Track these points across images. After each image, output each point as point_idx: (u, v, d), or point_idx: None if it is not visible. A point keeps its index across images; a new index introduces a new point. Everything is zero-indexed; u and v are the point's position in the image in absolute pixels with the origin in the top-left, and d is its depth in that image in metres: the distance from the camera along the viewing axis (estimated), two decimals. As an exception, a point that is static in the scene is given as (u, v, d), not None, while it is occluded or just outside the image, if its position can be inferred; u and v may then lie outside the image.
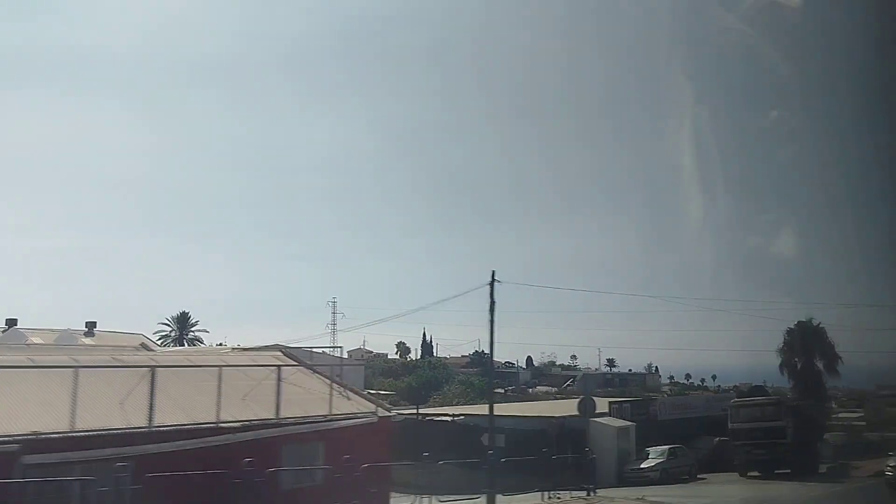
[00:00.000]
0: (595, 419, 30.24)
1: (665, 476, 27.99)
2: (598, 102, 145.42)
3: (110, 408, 14.67)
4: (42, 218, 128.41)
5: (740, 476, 27.81)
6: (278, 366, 17.24)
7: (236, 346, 26.54)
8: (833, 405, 70.69)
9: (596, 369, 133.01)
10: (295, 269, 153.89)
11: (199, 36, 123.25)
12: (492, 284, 22.66)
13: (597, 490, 21.91)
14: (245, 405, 16.90)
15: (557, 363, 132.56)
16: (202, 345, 78.75)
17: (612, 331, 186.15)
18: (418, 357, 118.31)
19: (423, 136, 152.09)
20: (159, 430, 14.36)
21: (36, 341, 23.84)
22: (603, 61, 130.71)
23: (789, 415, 27.49)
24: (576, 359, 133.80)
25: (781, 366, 47.97)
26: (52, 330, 29.86)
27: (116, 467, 12.80)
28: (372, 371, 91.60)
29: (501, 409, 40.08)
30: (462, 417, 33.39)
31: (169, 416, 15.02)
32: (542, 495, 21.39)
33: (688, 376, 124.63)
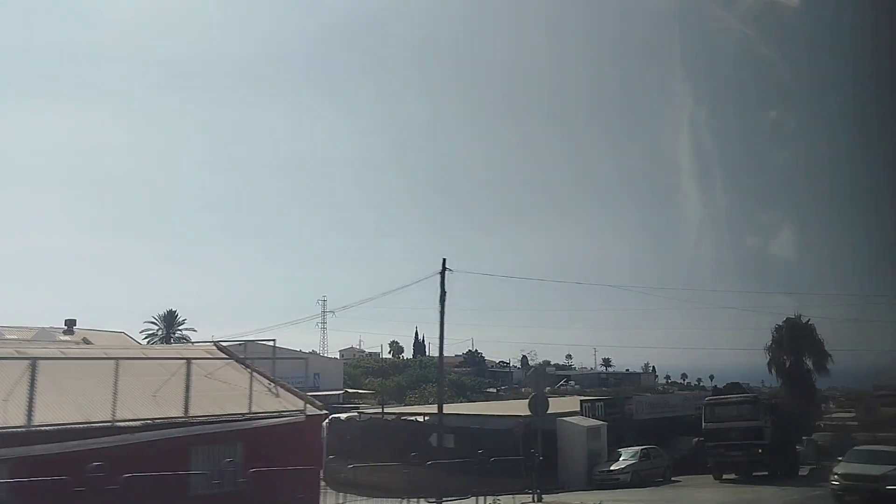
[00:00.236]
0: (564, 418, 28.89)
1: (636, 478, 26.52)
2: (598, 102, 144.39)
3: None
4: (33, 217, 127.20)
5: (714, 479, 26.29)
6: (188, 359, 15.77)
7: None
8: (829, 404, 69.47)
9: (591, 369, 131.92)
10: (288, 269, 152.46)
11: (188, 36, 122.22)
12: (442, 273, 21.19)
13: (543, 495, 20.38)
14: (154, 402, 15.48)
15: (552, 363, 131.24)
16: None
17: (609, 329, 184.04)
18: (411, 356, 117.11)
19: (422, 136, 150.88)
20: (40, 430, 12.93)
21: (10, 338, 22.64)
22: (602, 61, 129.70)
23: (767, 413, 25.83)
24: (570, 358, 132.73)
25: (770, 363, 46.58)
26: (29, 328, 28.95)
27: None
28: (362, 370, 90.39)
29: (470, 408, 38.88)
30: (428, 417, 31.99)
31: (57, 413, 13.61)
32: (480, 500, 19.86)
33: (684, 376, 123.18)
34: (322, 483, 32.89)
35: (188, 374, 15.34)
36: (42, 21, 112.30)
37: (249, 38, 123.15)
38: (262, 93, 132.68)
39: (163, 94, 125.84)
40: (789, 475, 27.27)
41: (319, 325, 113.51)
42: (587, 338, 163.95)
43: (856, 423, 52.63)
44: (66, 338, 27.74)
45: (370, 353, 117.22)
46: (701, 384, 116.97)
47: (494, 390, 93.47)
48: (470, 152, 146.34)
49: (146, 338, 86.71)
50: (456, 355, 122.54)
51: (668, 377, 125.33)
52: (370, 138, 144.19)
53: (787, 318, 46.31)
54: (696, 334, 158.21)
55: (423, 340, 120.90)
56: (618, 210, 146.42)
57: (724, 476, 26.46)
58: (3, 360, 14.86)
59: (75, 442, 13.34)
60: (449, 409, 38.16)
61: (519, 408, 36.84)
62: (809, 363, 45.68)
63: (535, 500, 20.09)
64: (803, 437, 36.25)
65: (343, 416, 36.73)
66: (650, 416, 33.09)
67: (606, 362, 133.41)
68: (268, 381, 18.49)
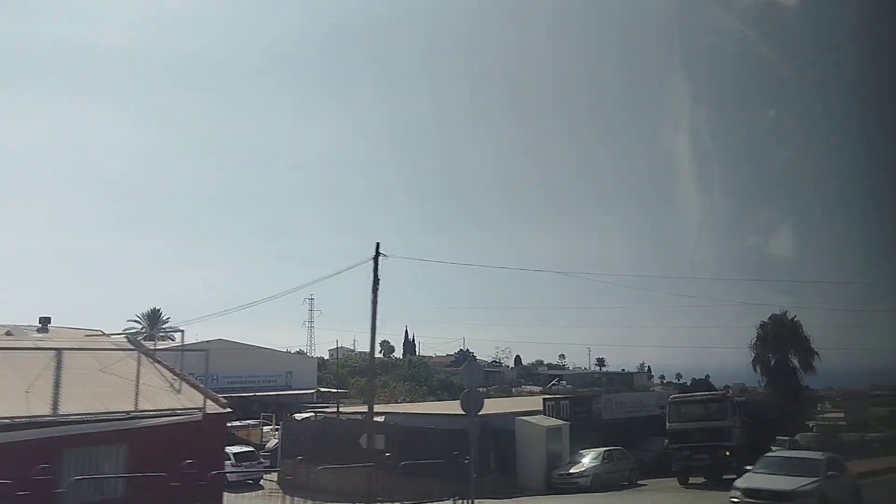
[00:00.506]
0: (523, 418, 27.27)
1: (597, 482, 24.85)
2: (596, 102, 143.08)
3: None
4: (38, 218, 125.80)
5: (680, 484, 24.56)
6: (59, 349, 14.09)
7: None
8: (825, 404, 67.83)
9: (585, 369, 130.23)
10: (279, 269, 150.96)
11: (191, 36, 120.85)
12: (376, 259, 19.50)
13: (474, 500, 18.66)
14: (25, 399, 13.85)
15: (545, 362, 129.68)
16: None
17: (604, 329, 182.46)
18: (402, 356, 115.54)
19: (423, 136, 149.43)
20: None
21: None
22: (600, 61, 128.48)
23: (736, 413, 24.06)
24: (564, 358, 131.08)
25: (754, 361, 44.91)
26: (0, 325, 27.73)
27: None
28: (349, 370, 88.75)
29: (428, 407, 37.28)
30: (384, 417, 30.34)
31: None
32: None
33: (678, 376, 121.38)
34: (276, 486, 31.75)
35: (58, 368, 13.68)
36: (48, 21, 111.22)
37: (254, 37, 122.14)
38: (262, 92, 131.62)
39: (161, 93, 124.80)
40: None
41: (307, 323, 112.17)
42: (583, 337, 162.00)
43: (844, 422, 51.07)
44: (41, 336, 26.38)
45: (360, 353, 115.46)
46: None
47: (484, 389, 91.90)
48: (471, 151, 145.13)
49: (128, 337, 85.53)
50: (448, 355, 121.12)
51: (662, 377, 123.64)
52: (371, 137, 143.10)
53: (773, 315, 44.70)
54: (694, 334, 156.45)
55: (414, 340, 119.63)
56: (617, 209, 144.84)
57: (691, 480, 24.74)
58: None
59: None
60: (405, 408, 36.94)
61: (492, 407, 35.41)
62: (795, 361, 44.03)
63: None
64: (781, 438, 34.63)
65: (299, 416, 35.14)
66: (620, 416, 31.40)
67: (601, 362, 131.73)
68: (172, 377, 16.85)
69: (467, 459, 16.94)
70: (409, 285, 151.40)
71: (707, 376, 31.75)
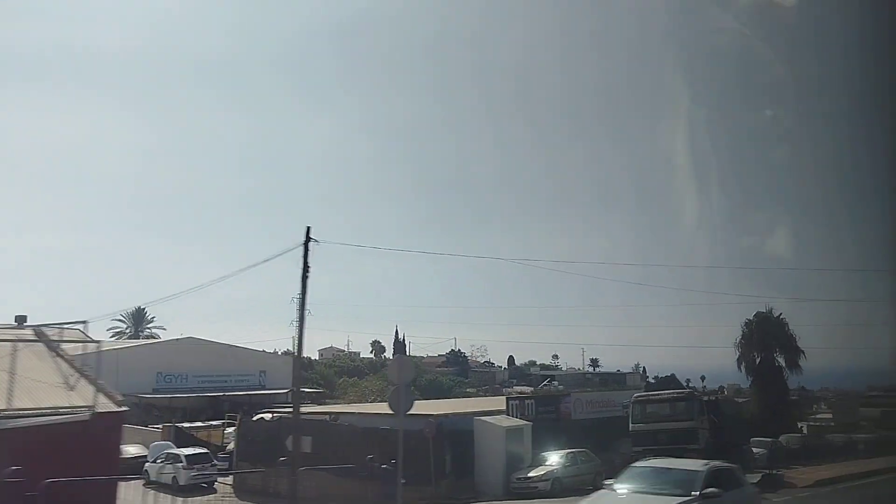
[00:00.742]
0: (482, 418, 25.84)
1: (558, 486, 23.38)
2: (593, 101, 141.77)
3: None
4: (34, 216, 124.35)
5: (645, 489, 23.02)
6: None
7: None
8: (821, 405, 66.36)
9: (578, 369, 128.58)
10: (269, 268, 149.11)
11: (179, 37, 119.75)
12: (306, 245, 17.95)
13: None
14: None
15: (538, 362, 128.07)
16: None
17: (600, 328, 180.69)
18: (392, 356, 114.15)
19: (414, 134, 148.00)
20: None
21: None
22: (598, 61, 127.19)
23: (704, 413, 22.52)
24: (557, 358, 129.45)
25: (739, 360, 43.40)
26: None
27: None
28: (336, 370, 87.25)
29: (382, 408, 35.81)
30: (338, 417, 28.96)
31: None
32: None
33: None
34: (230, 489, 30.32)
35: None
36: (44, 20, 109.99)
37: (266, 33, 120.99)
38: (268, 91, 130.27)
39: (146, 93, 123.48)
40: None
41: (294, 323, 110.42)
42: (580, 337, 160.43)
43: (832, 423, 49.56)
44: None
45: (350, 353, 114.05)
46: (689, 385, 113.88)
47: (474, 390, 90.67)
48: (469, 151, 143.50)
49: (113, 336, 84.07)
50: (439, 355, 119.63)
51: (656, 377, 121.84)
52: (379, 136, 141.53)
53: (758, 312, 43.19)
54: (692, 334, 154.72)
55: (404, 340, 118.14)
56: (614, 208, 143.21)
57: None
58: None
59: None
60: (363, 408, 35.74)
61: (454, 406, 34.11)
62: (781, 360, 42.52)
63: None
64: (761, 439, 33.15)
65: (255, 416, 33.74)
66: (591, 416, 29.92)
67: (594, 362, 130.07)
68: (71, 372, 15.42)
69: (386, 465, 15.39)
70: (408, 286, 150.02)
71: (673, 374, 30.00)
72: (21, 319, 29.87)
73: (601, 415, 30.40)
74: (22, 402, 13.44)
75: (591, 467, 25.32)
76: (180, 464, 29.16)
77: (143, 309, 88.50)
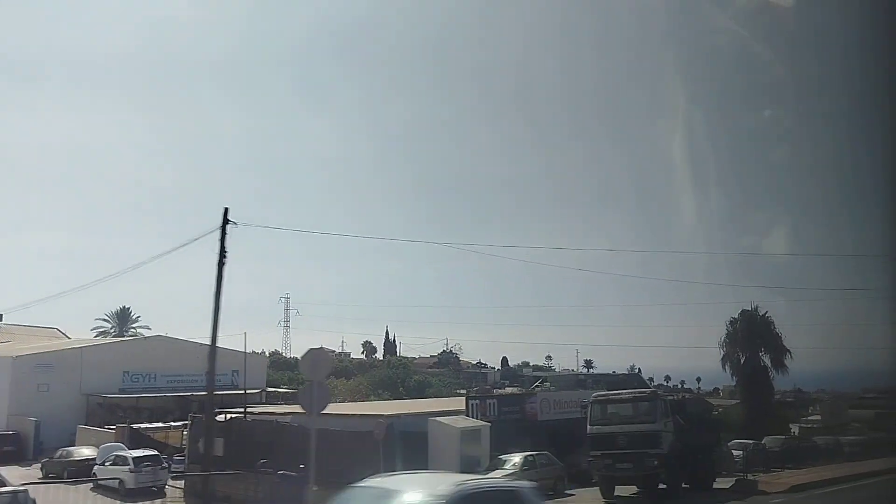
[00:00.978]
0: (436, 418, 24.38)
1: (513, 492, 21.87)
2: (592, 102, 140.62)
3: None
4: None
5: (603, 498, 21.49)
6: None
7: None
8: (816, 406, 64.97)
9: (572, 371, 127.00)
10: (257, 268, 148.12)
11: (173, 36, 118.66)
12: (223, 227, 16.46)
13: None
14: None
15: (531, 363, 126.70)
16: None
17: (600, 328, 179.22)
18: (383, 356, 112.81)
19: (413, 135, 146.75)
20: None
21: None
22: (596, 61, 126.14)
23: (668, 414, 20.93)
24: (550, 359, 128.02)
25: (724, 360, 41.97)
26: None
27: None
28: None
29: (342, 408, 34.60)
30: (290, 418, 27.56)
31: None
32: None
33: (667, 378, 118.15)
34: (181, 492, 28.93)
35: None
36: (45, 20, 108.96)
37: (269, 34, 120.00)
38: (268, 93, 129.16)
39: (137, 93, 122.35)
40: (702, 489, 22.62)
41: (282, 323, 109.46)
42: (577, 338, 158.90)
43: (820, 425, 48.08)
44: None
45: (340, 354, 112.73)
46: (684, 386, 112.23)
47: (465, 391, 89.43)
48: (466, 152, 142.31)
49: (97, 335, 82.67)
50: (431, 356, 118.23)
51: (651, 379, 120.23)
52: (378, 137, 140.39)
53: (743, 310, 41.77)
54: (691, 335, 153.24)
55: (394, 340, 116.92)
56: (614, 210, 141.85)
57: (618, 492, 21.72)
58: None
59: None
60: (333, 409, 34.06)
61: (412, 406, 32.73)
62: (767, 359, 41.08)
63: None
64: (743, 441, 31.76)
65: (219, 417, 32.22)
66: (559, 416, 28.42)
67: (588, 364, 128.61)
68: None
69: (299, 469, 14.03)
70: (408, 286, 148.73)
71: (639, 370, 28.22)
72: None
73: (571, 415, 28.83)
74: None
75: (552, 471, 23.86)
76: (127, 466, 27.78)
77: (128, 308, 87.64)
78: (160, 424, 36.39)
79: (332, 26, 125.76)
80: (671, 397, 23.52)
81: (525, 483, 9.70)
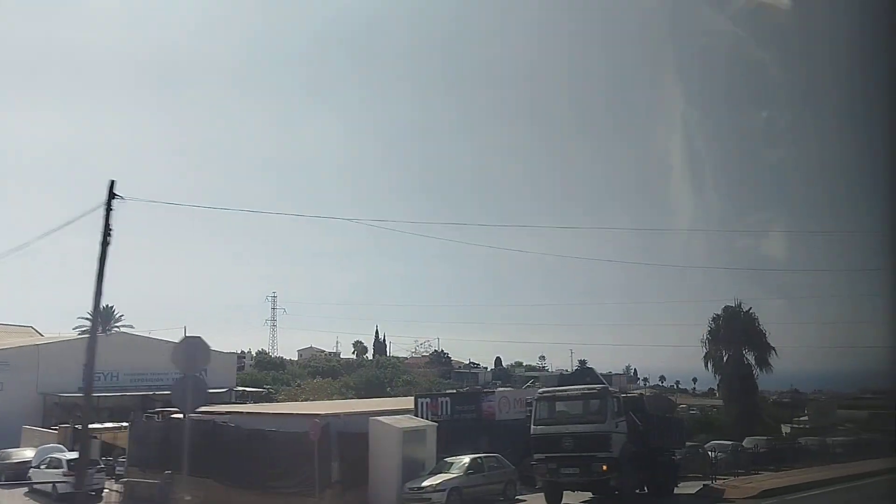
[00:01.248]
0: (377, 418, 22.65)
1: (456, 497, 20.15)
2: (590, 102, 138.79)
3: None
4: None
5: (548, 504, 19.69)
6: None
7: None
8: (811, 407, 63.32)
9: (566, 371, 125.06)
10: (248, 268, 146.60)
11: (175, 36, 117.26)
12: (108, 202, 14.67)
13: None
14: None
15: (524, 363, 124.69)
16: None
17: (599, 329, 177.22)
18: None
19: (411, 135, 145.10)
20: None
21: None
22: (595, 62, 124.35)
23: (622, 414, 19.13)
24: (544, 360, 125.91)
25: (706, 358, 40.18)
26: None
27: None
28: (310, 370, 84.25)
29: (283, 407, 33.11)
30: (227, 416, 25.91)
31: None
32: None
33: (662, 378, 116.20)
34: (118, 498, 27.37)
35: None
36: (45, 20, 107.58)
37: (272, 35, 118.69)
38: (252, 94, 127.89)
39: (139, 92, 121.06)
40: (664, 494, 20.88)
41: (269, 322, 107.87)
42: (575, 338, 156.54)
43: (808, 426, 46.37)
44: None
45: (328, 353, 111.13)
46: (679, 386, 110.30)
47: (454, 391, 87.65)
48: (463, 152, 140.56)
49: (80, 335, 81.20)
50: (423, 355, 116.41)
51: (645, 379, 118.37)
52: (378, 137, 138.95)
53: (726, 307, 39.97)
54: (686, 336, 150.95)
55: (384, 340, 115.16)
56: (612, 210, 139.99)
57: (567, 498, 19.91)
58: None
59: None
60: (258, 408, 33.46)
61: (355, 405, 31.00)
62: (750, 357, 39.31)
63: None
64: (722, 443, 30.02)
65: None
66: (519, 416, 26.66)
67: (582, 364, 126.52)
68: None
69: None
70: (409, 287, 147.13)
71: (590, 367, 26.51)
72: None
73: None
74: None
75: (502, 475, 22.14)
76: (61, 469, 26.18)
77: (111, 307, 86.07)
78: (110, 425, 34.71)
79: (340, 26, 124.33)
80: (626, 395, 21.68)
81: None
